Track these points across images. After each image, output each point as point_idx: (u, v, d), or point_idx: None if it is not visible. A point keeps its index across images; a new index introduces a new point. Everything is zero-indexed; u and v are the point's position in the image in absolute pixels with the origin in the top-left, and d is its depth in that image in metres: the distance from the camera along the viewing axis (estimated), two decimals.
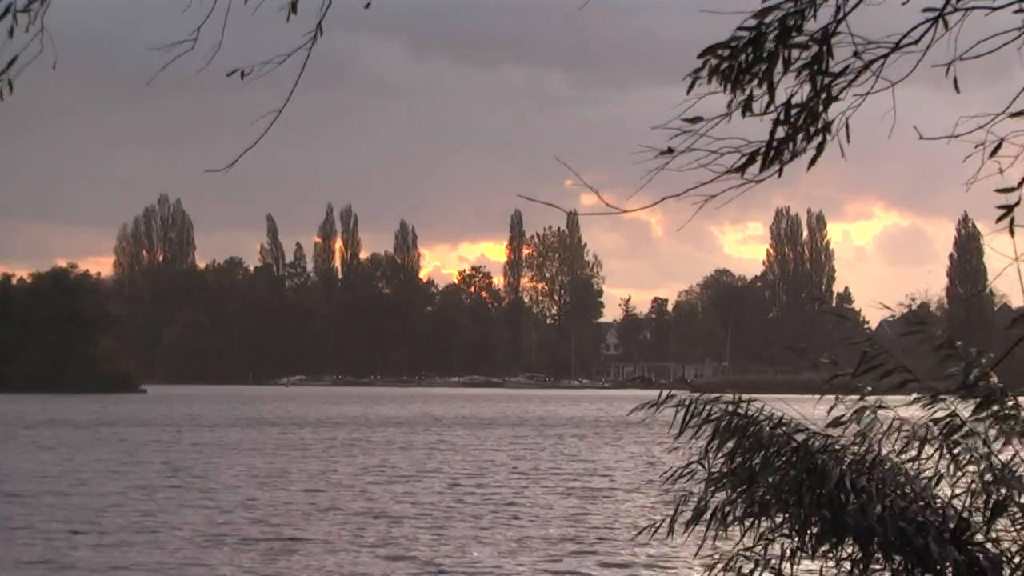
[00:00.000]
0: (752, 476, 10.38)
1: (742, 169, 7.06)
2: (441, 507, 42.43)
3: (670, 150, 6.98)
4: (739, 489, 10.45)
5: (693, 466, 10.79)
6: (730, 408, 10.68)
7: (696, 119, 6.96)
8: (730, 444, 10.56)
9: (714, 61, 6.97)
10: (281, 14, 7.31)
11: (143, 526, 37.47)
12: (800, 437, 10.50)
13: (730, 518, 10.48)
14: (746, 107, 6.98)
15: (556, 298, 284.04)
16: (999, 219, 7.23)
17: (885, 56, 6.95)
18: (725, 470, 10.58)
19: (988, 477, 10.46)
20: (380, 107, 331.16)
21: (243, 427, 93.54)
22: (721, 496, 10.54)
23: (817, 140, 7.08)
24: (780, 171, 7.15)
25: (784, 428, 10.56)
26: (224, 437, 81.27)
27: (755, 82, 6.95)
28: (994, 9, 7.05)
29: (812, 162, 7.17)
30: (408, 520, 39.02)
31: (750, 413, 10.64)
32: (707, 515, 10.57)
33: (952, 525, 10.20)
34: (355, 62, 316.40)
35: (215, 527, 37.10)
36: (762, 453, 10.39)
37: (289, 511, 41.25)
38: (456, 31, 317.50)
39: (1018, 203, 7.18)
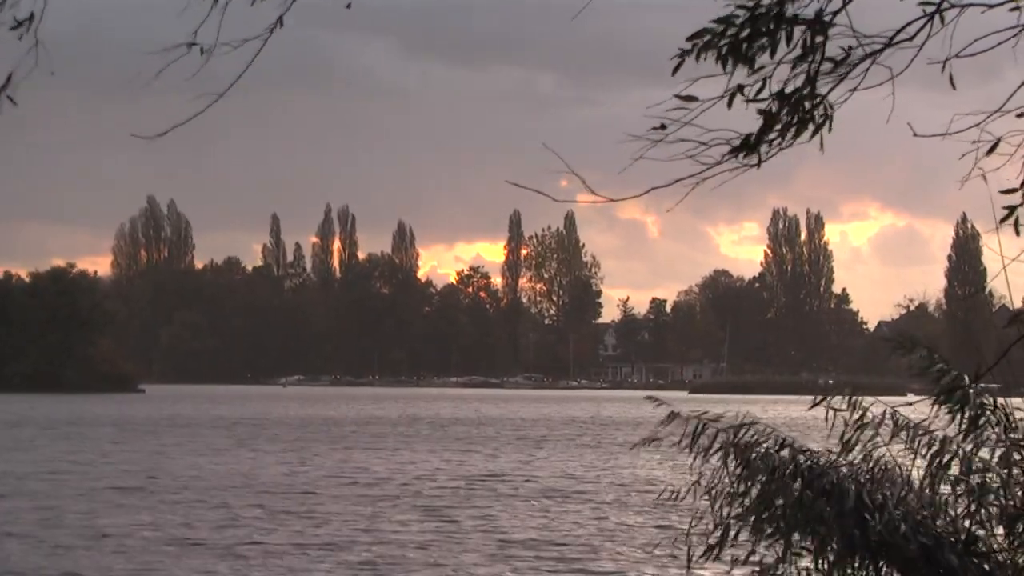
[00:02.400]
0: (764, 498, 10.28)
1: (737, 151, 7.01)
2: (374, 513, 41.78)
3: (663, 126, 6.94)
4: (751, 511, 10.34)
5: (697, 488, 10.68)
6: (734, 431, 10.56)
7: (690, 97, 6.92)
8: (738, 469, 10.45)
9: (708, 36, 6.91)
10: (273, 13, 7.29)
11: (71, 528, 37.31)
12: (807, 456, 10.39)
13: (743, 537, 10.38)
14: (736, 93, 6.94)
15: (554, 299, 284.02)
16: (1003, 220, 7.24)
17: (880, 50, 6.93)
18: (734, 491, 10.47)
19: (995, 484, 10.40)
20: (373, 108, 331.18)
21: (211, 428, 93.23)
22: (730, 514, 10.43)
23: (812, 125, 7.04)
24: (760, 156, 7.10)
25: (791, 448, 10.47)
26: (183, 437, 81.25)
27: (754, 55, 6.90)
28: (991, 7, 7.04)
29: (820, 130, 7.11)
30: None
31: (754, 435, 10.53)
32: (718, 533, 10.46)
33: (963, 536, 10.13)
34: (348, 62, 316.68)
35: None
36: (772, 474, 10.29)
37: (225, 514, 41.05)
38: (446, 31, 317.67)
39: (1022, 204, 7.19)
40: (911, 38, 6.89)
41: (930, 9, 6.85)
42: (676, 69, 6.93)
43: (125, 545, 34.05)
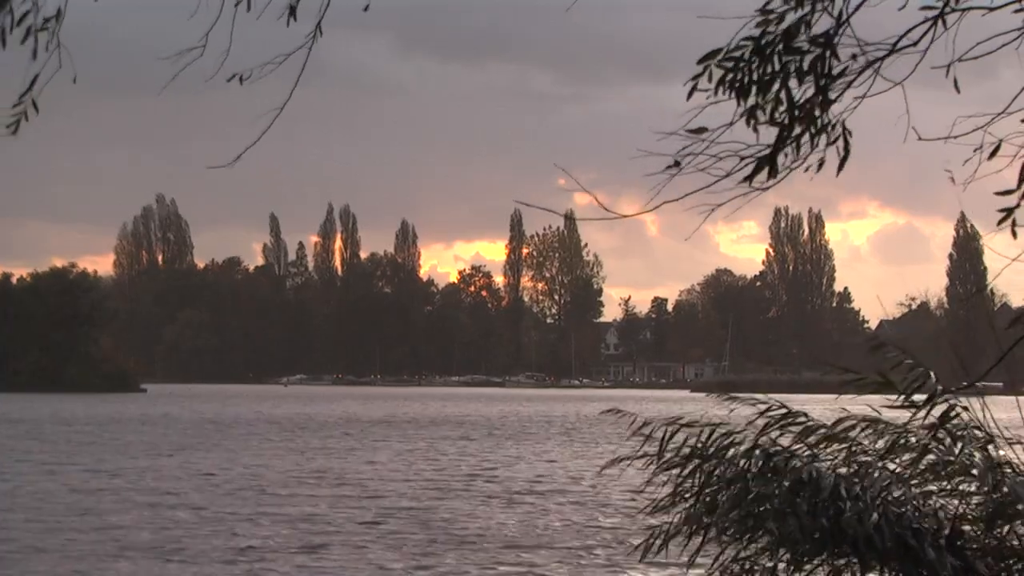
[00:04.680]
0: (742, 491, 10.31)
1: (749, 179, 7.00)
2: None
3: (677, 163, 6.88)
4: (727, 505, 10.37)
5: (669, 492, 10.71)
6: (708, 436, 10.59)
7: (700, 129, 6.87)
8: (710, 471, 10.50)
9: (718, 71, 6.90)
10: (280, 16, 7.29)
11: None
12: (781, 453, 10.44)
13: (723, 533, 10.41)
14: (750, 116, 6.94)
15: (556, 298, 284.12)
16: (1000, 222, 7.24)
17: (883, 58, 6.94)
18: (708, 490, 10.51)
19: (985, 480, 10.42)
20: (368, 105, 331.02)
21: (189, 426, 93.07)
22: (707, 510, 10.47)
23: (822, 143, 7.03)
24: (778, 172, 7.11)
25: (770, 437, 10.52)
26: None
27: (761, 95, 6.90)
28: (991, 9, 7.05)
29: (820, 166, 7.14)
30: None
31: (731, 436, 10.56)
32: (697, 529, 10.50)
33: (947, 531, 10.17)
34: (347, 60, 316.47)
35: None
36: (753, 466, 10.34)
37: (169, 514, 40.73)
38: (441, 29, 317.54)
39: (1018, 206, 7.19)
40: (914, 43, 6.90)
41: (932, 14, 6.86)
42: (690, 95, 6.90)
43: (70, 549, 33.54)
